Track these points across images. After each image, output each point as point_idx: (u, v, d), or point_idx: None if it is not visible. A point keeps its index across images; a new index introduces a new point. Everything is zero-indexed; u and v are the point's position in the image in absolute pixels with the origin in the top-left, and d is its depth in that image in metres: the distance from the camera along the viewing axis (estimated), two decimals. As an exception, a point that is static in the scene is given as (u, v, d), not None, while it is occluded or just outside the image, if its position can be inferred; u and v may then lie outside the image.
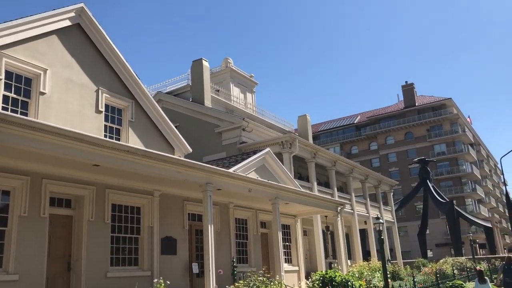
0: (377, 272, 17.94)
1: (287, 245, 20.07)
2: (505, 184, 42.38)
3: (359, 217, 30.01)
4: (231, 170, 14.89)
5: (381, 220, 13.93)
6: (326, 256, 25.79)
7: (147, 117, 16.98)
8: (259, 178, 15.88)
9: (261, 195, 15.27)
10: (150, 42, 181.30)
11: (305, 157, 25.36)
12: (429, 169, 48.85)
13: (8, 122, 8.06)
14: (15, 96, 12.73)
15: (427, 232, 51.69)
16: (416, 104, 79.69)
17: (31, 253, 10.23)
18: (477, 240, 68.30)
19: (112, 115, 15.75)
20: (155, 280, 9.92)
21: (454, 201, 47.70)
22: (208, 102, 26.51)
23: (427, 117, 76.87)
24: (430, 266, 27.16)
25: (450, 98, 77.02)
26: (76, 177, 11.44)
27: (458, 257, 31.32)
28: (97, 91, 15.04)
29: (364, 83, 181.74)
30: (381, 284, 15.16)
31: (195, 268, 14.54)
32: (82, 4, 14.76)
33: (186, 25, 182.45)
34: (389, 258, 33.08)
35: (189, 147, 18.58)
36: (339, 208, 20.52)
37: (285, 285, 12.40)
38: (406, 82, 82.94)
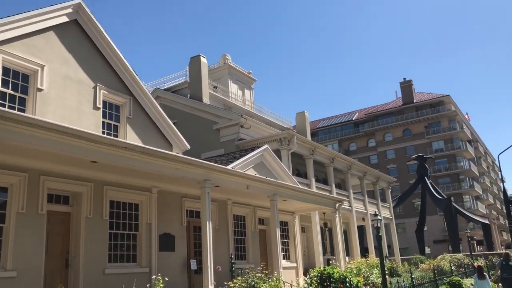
0: (375, 269, 17.97)
1: (285, 241, 20.10)
2: (502, 181, 42.44)
3: (357, 213, 30.07)
4: (229, 166, 14.89)
5: (379, 217, 13.94)
6: (324, 252, 25.84)
7: (145, 113, 16.95)
8: (257, 175, 15.88)
9: (259, 192, 15.27)
10: (148, 39, 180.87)
11: (303, 154, 25.37)
12: (427, 166, 48.93)
13: (6, 119, 8.03)
14: (12, 92, 12.68)
15: (425, 228, 51.85)
16: (414, 101, 79.74)
17: (29, 250, 10.22)
18: (475, 237, 68.45)
19: (110, 111, 15.71)
20: (153, 277, 9.92)
21: (452, 198, 47.84)
22: (206, 99, 26.48)
23: (425, 114, 76.94)
24: (428, 262, 27.25)
25: (448, 95, 77.09)
26: (74, 173, 11.41)
27: (455, 254, 31.41)
28: (94, 88, 15.00)
29: (362, 80, 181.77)
30: (379, 280, 15.19)
31: (193, 265, 14.54)
32: (79, 0, 14.70)
33: (184, 22, 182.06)
34: (387, 254, 33.20)
35: (187, 144, 18.56)
36: (337, 205, 20.54)
37: (283, 282, 12.42)
38: (404, 79, 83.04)
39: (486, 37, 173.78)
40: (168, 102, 26.62)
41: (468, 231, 41.30)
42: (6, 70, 12.61)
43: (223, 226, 16.42)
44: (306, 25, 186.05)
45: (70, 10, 14.49)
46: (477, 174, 79.80)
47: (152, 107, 17.17)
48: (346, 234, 29.96)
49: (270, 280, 11.03)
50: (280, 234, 17.30)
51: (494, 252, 39.93)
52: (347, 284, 11.86)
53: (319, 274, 14.31)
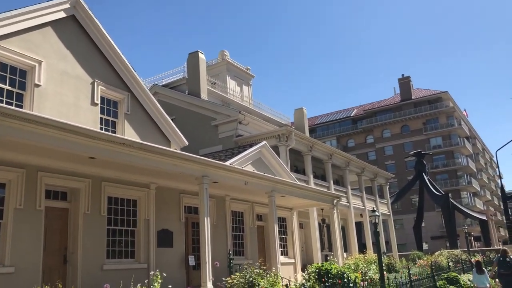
0: (373, 264, 18.01)
1: (283, 237, 20.14)
2: (500, 177, 42.60)
3: (355, 210, 30.12)
4: (227, 163, 14.90)
5: (377, 213, 13.96)
6: (322, 248, 25.89)
7: (143, 109, 16.92)
8: (256, 171, 15.89)
9: (258, 188, 15.28)
10: (147, 35, 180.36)
11: (301, 150, 25.38)
12: (425, 162, 48.98)
13: (3, 115, 8.01)
14: (9, 88, 12.65)
15: (423, 225, 51.94)
16: (413, 98, 79.76)
17: (27, 246, 10.21)
18: (472, 233, 68.64)
19: (108, 107, 15.68)
20: (152, 273, 9.93)
21: (450, 194, 47.91)
22: (204, 95, 26.44)
23: (423, 111, 76.99)
24: (425, 258, 27.32)
25: (446, 91, 77.13)
26: (72, 169, 11.40)
27: (453, 250, 31.50)
28: (92, 84, 14.96)
29: (361, 77, 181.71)
30: (377, 276, 15.23)
31: (192, 261, 14.56)
32: (77, -4, 14.64)
33: (183, 18, 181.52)
34: (385, 250, 33.27)
35: (185, 140, 18.55)
36: (335, 201, 20.58)
37: (281, 277, 12.44)
38: (402, 75, 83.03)
39: (484, 34, 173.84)
40: (166, 98, 26.57)
41: (466, 227, 41.49)
42: (3, 66, 12.57)
43: (221, 222, 16.44)
44: (305, 22, 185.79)
45: (67, 5, 14.43)
46: (475, 170, 79.97)
47: (150, 103, 17.14)
48: (344, 230, 30.02)
49: (268, 276, 11.05)
50: (278, 230, 17.33)
51: (491, 248, 40.01)
52: (345, 280, 11.90)
53: (317, 270, 14.35)
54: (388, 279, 13.82)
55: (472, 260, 23.11)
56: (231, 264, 14.63)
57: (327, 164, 27.91)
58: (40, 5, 13.50)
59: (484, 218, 50.68)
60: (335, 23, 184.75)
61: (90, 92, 14.83)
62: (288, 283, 8.92)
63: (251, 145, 19.51)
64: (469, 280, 16.72)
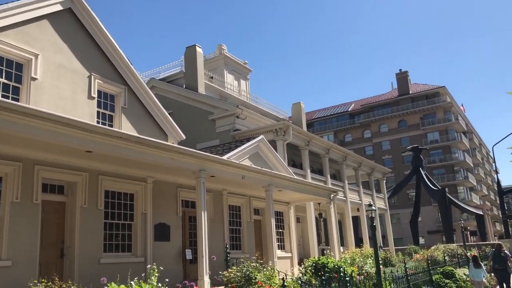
0: (369, 259, 18.09)
1: (280, 231, 20.19)
2: (496, 172, 42.76)
3: (352, 204, 30.20)
4: (224, 157, 14.90)
5: (373, 207, 13.99)
6: (319, 242, 25.98)
7: (140, 103, 16.88)
8: (253, 165, 15.90)
9: (255, 182, 15.30)
10: (144, 28, 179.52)
11: (298, 144, 25.40)
12: (422, 157, 49.08)
13: (0, 108, 7.98)
14: (6, 81, 12.59)
15: (419, 219, 52.11)
16: (410, 92, 79.80)
17: (24, 239, 10.21)
18: (468, 227, 69.01)
19: (105, 101, 15.64)
20: (149, 266, 9.93)
21: (446, 189, 48.05)
22: (201, 89, 26.38)
23: (421, 105, 77.07)
24: (421, 252, 27.43)
25: (444, 86, 77.18)
26: (69, 163, 11.38)
27: (449, 244, 31.61)
28: (89, 77, 14.91)
29: (358, 71, 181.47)
30: (373, 270, 15.31)
31: (189, 254, 14.60)
32: (73, -12, 14.55)
33: (181, 12, 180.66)
34: (381, 245, 33.42)
35: (182, 134, 18.52)
36: (332, 195, 20.63)
37: (278, 271, 12.49)
38: (400, 70, 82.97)
39: (482, 29, 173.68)
40: (163, 92, 26.51)
41: (462, 221, 41.55)
42: (-1, 59, 12.50)
43: (218, 216, 16.47)
44: (303, 16, 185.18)
45: (64, -2, 14.34)
46: (472, 165, 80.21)
47: (147, 97, 17.10)
48: (340, 224, 30.11)
49: (264, 269, 11.08)
50: (275, 224, 17.37)
51: (487, 242, 40.22)
52: (341, 274, 11.95)
53: (314, 264, 14.41)
54: (384, 273, 13.88)
55: (468, 254, 23.23)
56: (228, 258, 14.68)
57: (324, 158, 27.94)
58: (37, -3, 13.41)
59: (480, 212, 50.90)
60: (333, 17, 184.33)
61: (87, 86, 14.78)
62: (285, 277, 8.95)
63: (248, 140, 19.51)
64: (464, 274, 16.83)
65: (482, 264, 14.73)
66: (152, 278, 8.76)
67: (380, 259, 16.12)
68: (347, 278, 10.54)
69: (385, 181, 38.80)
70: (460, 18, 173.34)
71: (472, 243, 41.79)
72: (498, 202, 50.86)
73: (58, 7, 14.15)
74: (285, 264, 18.98)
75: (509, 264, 14.61)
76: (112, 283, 7.64)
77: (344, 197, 29.21)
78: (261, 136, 19.53)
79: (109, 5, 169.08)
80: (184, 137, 18.67)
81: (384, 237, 41.60)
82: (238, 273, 10.72)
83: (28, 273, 9.98)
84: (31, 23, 13.31)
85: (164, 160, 11.43)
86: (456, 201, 49.88)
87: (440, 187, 48.23)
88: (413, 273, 14.94)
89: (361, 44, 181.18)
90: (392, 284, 13.09)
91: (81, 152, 10.40)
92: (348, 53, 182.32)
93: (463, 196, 72.11)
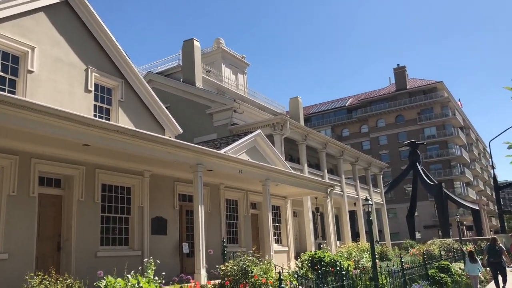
0: (366, 253, 18.17)
1: (277, 226, 20.24)
2: (493, 167, 42.93)
3: (348, 198, 30.28)
4: (222, 151, 14.90)
5: (370, 202, 14.02)
6: (316, 237, 26.06)
7: (137, 97, 16.83)
8: (250, 160, 15.91)
9: (252, 177, 15.31)
10: (142, 22, 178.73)
11: (296, 139, 25.40)
12: (419, 152, 49.20)
13: (-5, 100, 7.94)
14: (2, 74, 12.52)
15: (416, 214, 52.33)
16: (408, 87, 79.83)
17: (21, 232, 10.21)
18: (464, 222, 69.34)
19: (102, 94, 15.59)
20: (145, 260, 9.96)
21: (443, 184, 48.21)
22: (199, 83, 26.32)
23: (418, 100, 77.14)
24: (417, 247, 27.57)
25: (441, 81, 77.23)
26: (66, 156, 11.36)
27: (445, 239, 31.79)
28: (86, 70, 14.84)
29: (356, 66, 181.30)
30: (369, 264, 15.38)
31: (186, 248, 14.63)
32: (70, -19, 14.44)
33: (178, 5, 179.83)
34: (378, 239, 33.52)
35: (179, 128, 18.50)
36: (329, 189, 20.67)
37: (275, 265, 12.53)
38: (398, 65, 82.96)
39: (480, 25, 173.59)
40: (160, 86, 26.44)
41: (458, 216, 41.83)
42: (-5, 52, 12.43)
43: (215, 210, 16.49)
44: (300, 11, 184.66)
45: (60, -10, 14.24)
46: (468, 160, 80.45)
47: (144, 90, 17.05)
48: (337, 219, 30.20)
49: (261, 263, 11.10)
50: (272, 219, 17.41)
51: (483, 237, 40.44)
52: (338, 268, 12.00)
53: (310, 258, 14.47)
54: (380, 267, 13.95)
55: (464, 249, 23.36)
56: (225, 252, 14.70)
57: (322, 153, 27.97)
58: (33, -10, 13.31)
59: (477, 207, 51.12)
60: (332, 12, 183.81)
61: (84, 79, 14.72)
62: (281, 271, 8.99)
63: (245, 134, 19.50)
64: (460, 268, 16.93)
65: (478, 259, 14.83)
66: (149, 271, 8.77)
67: (376, 253, 16.19)
68: (343, 272, 10.58)
69: (382, 176, 38.89)
70: (458, 14, 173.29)
71: (468, 238, 42.03)
72: (494, 197, 51.08)
73: (55, 0, 14.06)
74: (281, 258, 19.05)
75: (504, 257, 14.72)
76: (109, 276, 7.66)
77: (341, 191, 29.28)
78: (259, 131, 19.52)
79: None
80: (181, 131, 18.65)
81: (380, 231, 41.75)
82: (234, 267, 10.74)
83: (24, 266, 9.99)
84: (27, 15, 13.22)
85: (161, 154, 11.42)
86: (452, 196, 50.08)
87: (436, 182, 48.38)
88: (409, 267, 15.01)
89: (359, 39, 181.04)
90: (388, 278, 13.16)
91: (78, 145, 10.38)
92: (346, 48, 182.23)
93: (459, 191, 72.39)
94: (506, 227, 40.09)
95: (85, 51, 14.94)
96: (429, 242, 28.49)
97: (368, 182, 35.11)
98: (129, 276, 8.01)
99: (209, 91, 26.46)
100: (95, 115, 14.84)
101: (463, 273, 16.38)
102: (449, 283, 14.66)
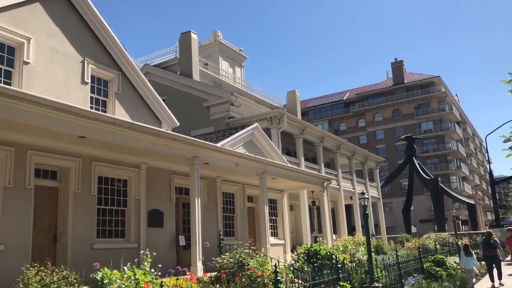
0: (361, 246, 18.26)
1: (273, 219, 20.28)
2: (489, 162, 43.04)
3: (345, 192, 30.35)
4: (218, 144, 14.88)
5: (366, 195, 14.07)
6: (312, 230, 26.14)
7: (134, 89, 16.76)
8: (247, 153, 15.90)
9: (249, 170, 15.32)
10: (139, 14, 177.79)
11: (293, 133, 25.40)
12: (415, 146, 49.32)
13: (-9, 91, 7.88)
14: (-2, 65, 12.43)
15: (412, 208, 52.56)
16: (405, 82, 79.84)
17: (17, 224, 10.18)
18: (460, 217, 69.63)
19: (98, 86, 15.51)
20: (142, 252, 9.97)
21: (439, 179, 48.42)
22: (196, 76, 26.24)
23: (415, 95, 77.20)
24: (413, 241, 27.71)
25: (439, 76, 77.28)
26: (62, 148, 11.32)
27: (440, 233, 31.96)
28: (82, 62, 14.76)
29: (354, 60, 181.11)
30: (365, 257, 15.45)
31: (182, 241, 14.64)
32: (66, -29, 14.31)
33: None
34: (374, 233, 33.67)
35: (176, 121, 18.45)
36: (325, 183, 20.71)
37: (271, 258, 12.56)
38: (395, 59, 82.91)
39: (478, 21, 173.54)
40: (157, 78, 26.35)
41: (454, 211, 41.95)
42: (-9, 42, 12.33)
43: (212, 203, 16.50)
44: (299, 5, 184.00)
45: (57, -19, 14.12)
46: (465, 155, 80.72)
47: (141, 82, 16.98)
48: (334, 212, 30.28)
49: (257, 256, 11.14)
50: (269, 212, 17.45)
51: (478, 231, 40.67)
52: (333, 261, 12.05)
53: (306, 251, 14.54)
54: (376, 260, 14.02)
55: (459, 243, 23.49)
56: (221, 245, 14.74)
57: (318, 147, 27.98)
58: (29, -20, 13.18)
59: (472, 202, 51.37)
60: (330, 7, 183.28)
61: (80, 71, 14.64)
62: (277, 263, 9.02)
63: (242, 127, 19.48)
64: (455, 262, 17.03)
65: (473, 253, 14.93)
66: (145, 263, 8.80)
67: (372, 247, 16.27)
68: (339, 265, 10.62)
69: (378, 170, 38.98)
70: (457, 10, 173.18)
71: (464, 232, 42.25)
72: (490, 192, 51.31)
73: (51, -10, 13.93)
74: (278, 251, 19.11)
75: (498, 251, 14.83)
76: (105, 268, 7.68)
77: (338, 185, 29.34)
78: (256, 124, 19.50)
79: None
80: (178, 123, 18.61)
81: (376, 225, 41.94)
82: (231, 260, 10.77)
83: (20, 257, 9.97)
84: (23, 6, 13.09)
85: (157, 146, 11.39)
86: (448, 190, 50.27)
87: (432, 177, 48.56)
88: (404, 261, 15.10)
89: (357, 33, 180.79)
90: (383, 272, 13.23)
91: (74, 137, 10.34)
92: (344, 42, 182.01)
93: (455, 186, 72.69)
94: (501, 222, 40.21)
95: (82, 42, 14.85)
96: (424, 236, 28.64)
97: (364, 176, 35.19)
98: (125, 268, 8.03)
99: (206, 84, 26.39)
100: (91, 107, 14.77)
101: (458, 267, 16.48)
102: (444, 277, 14.75)
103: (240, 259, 10.66)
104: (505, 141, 5.44)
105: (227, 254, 11.21)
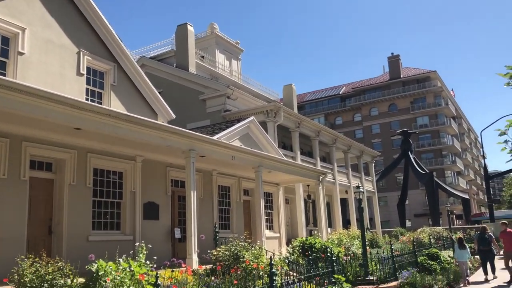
0: (356, 240, 18.34)
1: (269, 212, 20.32)
2: (484, 157, 43.20)
3: (340, 186, 30.44)
4: (214, 137, 14.86)
5: (361, 189, 14.13)
6: (307, 224, 26.22)
7: (130, 81, 16.68)
8: (243, 146, 15.90)
9: (245, 163, 15.31)
10: (135, 5, 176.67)
11: (289, 126, 25.40)
12: (411, 141, 49.45)
13: (-15, 82, 7.82)
14: (-8, 56, 12.33)
15: (407, 202, 52.79)
16: (401, 76, 79.88)
17: (11, 215, 10.15)
18: (454, 211, 70.08)
19: (94, 78, 15.43)
20: (137, 244, 9.97)
21: (434, 173, 48.64)
22: (192, 68, 26.14)
23: (412, 90, 77.30)
24: (408, 235, 27.86)
25: (435, 70, 77.34)
26: (57, 140, 11.27)
27: (435, 227, 32.14)
28: (78, 53, 14.66)
29: (351, 54, 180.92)
30: (360, 251, 15.53)
31: (178, 233, 14.66)
32: (62, -38, 14.16)
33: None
34: (369, 226, 33.80)
35: (172, 113, 18.40)
36: (321, 177, 20.75)
37: (266, 251, 12.61)
38: (392, 53, 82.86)
39: (476, 16, 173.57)
40: (153, 70, 26.23)
41: (448, 205, 42.19)
42: (-15, 33, 12.21)
43: (207, 196, 16.50)
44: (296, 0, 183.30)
45: (52, -29, 13.98)
46: (460, 150, 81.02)
47: (137, 75, 16.90)
48: (329, 206, 30.38)
49: (253, 249, 11.17)
50: (264, 205, 17.48)
51: (472, 226, 40.93)
52: (328, 254, 12.11)
53: (301, 244, 14.59)
54: (370, 254, 14.10)
55: (453, 237, 23.64)
56: (217, 237, 14.76)
57: (314, 141, 28.01)
58: (24, -30, 13.04)
59: (467, 197, 51.70)
60: (326, 0, 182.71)
61: (75, 62, 14.54)
62: (272, 256, 9.05)
63: (239, 120, 19.46)
64: (449, 256, 17.14)
65: (467, 246, 15.04)
66: (141, 255, 8.80)
67: (367, 240, 16.35)
68: (333, 258, 10.67)
69: (374, 164, 39.08)
70: (455, 4, 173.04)
71: (458, 227, 42.52)
72: (484, 186, 51.60)
73: (46, -19, 13.80)
74: (273, 244, 19.17)
75: (493, 245, 14.94)
76: (100, 260, 7.67)
77: (333, 179, 29.41)
78: (252, 117, 19.48)
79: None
80: (174, 116, 18.56)
81: (371, 219, 42.11)
82: (226, 252, 10.79)
83: (15, 249, 9.94)
84: (18, -4, 12.97)
85: (153, 139, 11.36)
86: (443, 185, 50.55)
87: (428, 171, 48.76)
88: (398, 254, 15.19)
89: (354, 27, 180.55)
90: (378, 265, 13.32)
91: (69, 129, 10.30)
92: (341, 36, 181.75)
93: (450, 180, 73.03)
94: (494, 216, 40.41)
95: (77, 33, 14.74)
96: (419, 230, 28.79)
97: (360, 170, 35.28)
98: (120, 260, 8.02)
99: (202, 76, 26.29)
100: (87, 99, 14.70)
101: (452, 261, 16.60)
102: (438, 270, 14.85)
103: (236, 251, 10.68)
104: (500, 135, 5.47)
105: (223, 246, 11.23)
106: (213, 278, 9.25)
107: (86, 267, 7.58)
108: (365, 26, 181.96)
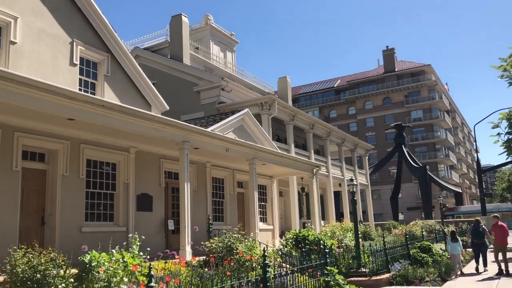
0: (349, 232, 18.44)
1: (263, 204, 20.36)
2: (476, 151, 43.48)
3: (334, 179, 30.53)
4: (209, 129, 14.82)
5: (355, 182, 14.16)
6: (301, 216, 26.31)
7: (123, 72, 16.57)
8: (237, 138, 15.87)
9: (239, 155, 15.30)
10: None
11: (283, 119, 25.38)
12: (404, 134, 49.64)
13: (-24, 71, 7.72)
14: (-16, 45, 12.18)
15: (400, 195, 53.11)
16: (396, 70, 79.98)
17: (3, 206, 10.09)
18: (447, 205, 70.61)
19: (87, 68, 15.31)
20: (130, 235, 9.95)
21: (427, 167, 48.91)
22: (186, 60, 26.01)
23: (406, 83, 77.46)
24: (400, 228, 28.05)
25: (429, 64, 77.49)
26: (50, 130, 11.19)
27: (427, 220, 32.37)
28: (71, 43, 14.52)
29: (346, 47, 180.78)
30: (352, 243, 15.61)
31: (171, 225, 14.65)
32: (55, -50, 13.99)
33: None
34: (361, 219, 33.99)
35: (166, 105, 18.32)
36: (314, 170, 20.79)
37: (259, 243, 12.63)
38: (387, 47, 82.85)
39: (473, 13, 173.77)
40: (147, 61, 26.07)
41: (441, 198, 42.45)
42: (-23, 21, 12.06)
43: (201, 188, 16.49)
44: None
45: (45, -40, 13.80)
46: (453, 144, 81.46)
47: (130, 65, 16.79)
48: (322, 199, 30.48)
49: (246, 240, 11.18)
50: (258, 198, 17.49)
51: (464, 219, 41.26)
52: (321, 246, 12.15)
53: (295, 236, 14.64)
54: (363, 246, 14.17)
55: (446, 230, 23.83)
56: (210, 229, 14.76)
57: (309, 134, 28.03)
58: (16, -42, 12.87)
59: (459, 190, 52.09)
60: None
61: (69, 52, 14.41)
62: (266, 248, 9.07)
63: (233, 113, 19.41)
64: (441, 249, 17.29)
65: (459, 239, 15.16)
66: (134, 247, 8.78)
67: (359, 233, 16.44)
68: (326, 250, 10.71)
69: (367, 158, 39.21)
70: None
71: (450, 220, 42.86)
72: (477, 180, 51.96)
73: (39, -31, 13.63)
74: (266, 236, 19.22)
75: (486, 238, 15.06)
76: (93, 251, 7.64)
77: (327, 172, 29.49)
78: (246, 110, 19.44)
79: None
80: (168, 107, 18.48)
81: (364, 212, 42.37)
82: (220, 244, 10.80)
83: (8, 240, 9.89)
84: (10, -16, 12.80)
85: (147, 130, 11.31)
86: (436, 178, 50.89)
87: (421, 165, 49.02)
88: (391, 247, 15.28)
89: (349, 20, 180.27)
90: (370, 257, 13.39)
91: (62, 119, 10.22)
92: (336, 29, 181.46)
93: (443, 174, 73.49)
94: (486, 210, 40.81)
95: (71, 23, 14.59)
96: (411, 223, 29.00)
97: (353, 163, 35.39)
98: (113, 251, 8.00)
99: (196, 68, 26.18)
100: (80, 89, 14.59)
101: (444, 253, 16.74)
102: (430, 263, 14.97)
103: (229, 243, 10.69)
104: (493, 127, 5.48)
105: (216, 238, 11.23)
106: (206, 269, 9.26)
107: (79, 258, 7.55)
108: (360, 19, 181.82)
